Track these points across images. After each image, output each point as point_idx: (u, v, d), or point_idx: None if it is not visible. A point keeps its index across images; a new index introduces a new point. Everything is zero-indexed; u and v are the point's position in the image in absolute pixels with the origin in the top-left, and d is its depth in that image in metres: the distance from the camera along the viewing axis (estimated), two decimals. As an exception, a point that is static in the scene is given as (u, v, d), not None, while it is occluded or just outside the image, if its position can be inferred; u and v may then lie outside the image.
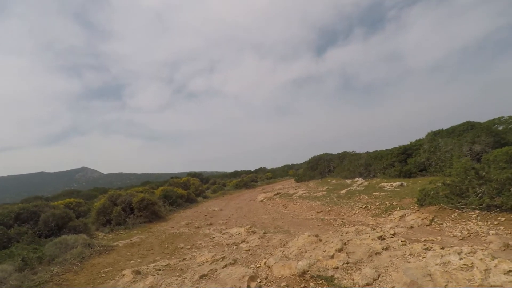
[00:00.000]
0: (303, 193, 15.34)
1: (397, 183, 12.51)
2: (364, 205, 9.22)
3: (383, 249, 4.67)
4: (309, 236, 5.69)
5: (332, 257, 4.62)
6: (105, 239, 8.28)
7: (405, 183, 12.40)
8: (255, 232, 7.31)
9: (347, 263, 4.37)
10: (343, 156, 22.65)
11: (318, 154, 24.06)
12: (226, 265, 5.12)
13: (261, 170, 60.04)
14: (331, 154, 23.78)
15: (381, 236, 5.22)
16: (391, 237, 5.28)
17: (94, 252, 6.49)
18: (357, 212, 8.89)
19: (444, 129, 18.65)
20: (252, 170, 66.02)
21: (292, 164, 78.17)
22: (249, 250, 6.05)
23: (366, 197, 10.75)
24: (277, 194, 17.04)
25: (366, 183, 15.05)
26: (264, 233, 7.22)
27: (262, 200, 15.76)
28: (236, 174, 61.32)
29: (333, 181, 18.45)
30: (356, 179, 17.53)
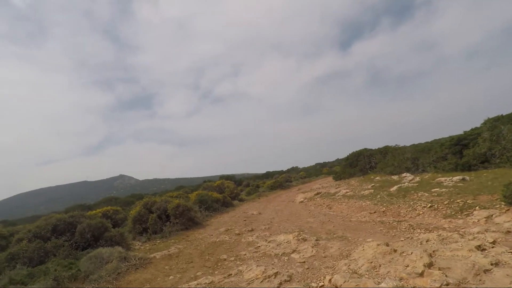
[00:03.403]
0: (346, 192, 14.09)
1: (457, 177, 10.92)
2: (429, 204, 7.89)
3: (491, 264, 3.52)
4: (378, 245, 4.63)
5: (422, 274, 3.55)
6: (142, 250, 7.75)
7: (467, 177, 10.80)
8: (306, 239, 6.35)
9: (447, 285, 3.28)
10: (385, 150, 20.94)
11: (356, 150, 22.51)
12: (280, 283, 4.24)
13: (294, 170, 58.74)
14: (371, 149, 22.13)
15: (479, 246, 4.05)
16: (492, 247, 4.09)
17: (130, 267, 5.90)
18: (421, 212, 7.60)
19: (504, 114, 16.40)
20: (284, 170, 64.92)
21: (324, 162, 76.04)
22: (304, 262, 5.11)
23: (426, 194, 9.36)
24: (317, 194, 15.90)
25: (417, 178, 13.47)
26: (316, 240, 6.24)
27: (302, 201, 14.73)
28: (268, 175, 60.54)
29: (377, 178, 16.93)
30: (404, 174, 15.90)
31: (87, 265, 5.77)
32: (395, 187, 12.10)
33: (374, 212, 8.80)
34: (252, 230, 8.73)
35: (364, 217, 8.59)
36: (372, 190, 12.80)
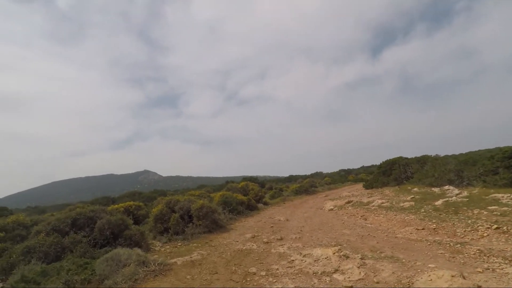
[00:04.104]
0: (382, 203, 12.88)
1: (519, 194, 9.51)
2: (494, 225, 6.68)
3: None
4: (453, 276, 3.66)
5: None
6: (162, 252, 7.16)
7: (532, 195, 9.37)
8: (348, 257, 5.43)
9: None
10: (423, 160, 19.32)
11: (390, 158, 21.01)
12: (327, 315, 3.39)
13: (318, 175, 57.16)
14: (407, 158, 20.57)
15: None
16: None
17: (149, 273, 5.27)
18: (485, 234, 6.42)
19: None
20: (307, 174, 63.44)
21: (348, 169, 73.57)
22: (352, 287, 4.22)
23: (484, 212, 8.09)
24: (348, 202, 14.77)
25: (465, 193, 12.02)
26: (361, 259, 5.31)
27: (332, 209, 13.68)
28: (291, 178, 59.34)
29: (415, 189, 15.50)
30: (446, 187, 14.40)
31: (103, 267, 5.21)
32: (440, 201, 10.79)
33: (423, 229, 7.67)
34: (281, 239, 7.89)
35: (411, 233, 7.50)
36: (413, 203, 11.53)
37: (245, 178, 33.72)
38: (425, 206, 10.54)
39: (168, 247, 7.75)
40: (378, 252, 5.83)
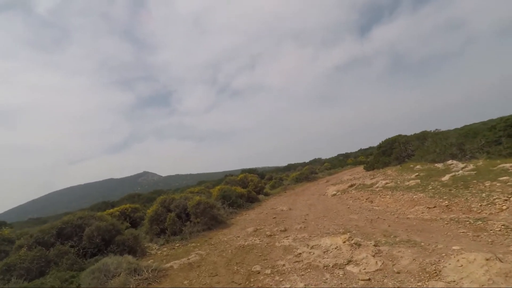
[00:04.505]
0: (386, 183, 12.42)
1: (529, 162, 9.06)
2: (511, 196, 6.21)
3: None
4: (487, 259, 3.15)
5: None
6: (158, 256, 6.62)
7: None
8: (360, 244, 4.92)
9: None
10: (423, 136, 18.86)
11: (390, 137, 20.53)
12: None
13: (317, 161, 56.88)
14: (406, 136, 20.10)
15: None
16: None
17: (141, 282, 4.74)
18: (504, 207, 5.92)
19: None
20: (306, 162, 63.16)
21: (346, 153, 73.36)
22: (370, 280, 3.71)
23: (497, 184, 7.62)
24: (351, 186, 14.31)
25: (471, 166, 11.58)
26: (375, 245, 4.80)
27: (335, 194, 13.22)
28: (290, 167, 59.04)
29: (418, 167, 15.05)
30: (450, 162, 13.96)
31: (89, 280, 4.66)
32: (447, 176, 10.34)
33: (434, 207, 7.19)
34: (285, 230, 7.38)
35: (423, 213, 7.01)
36: (419, 180, 11.07)
37: (244, 171, 33.25)
38: (432, 183, 10.08)
39: (165, 249, 7.22)
40: (392, 236, 5.33)
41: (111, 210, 12.64)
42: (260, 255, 5.47)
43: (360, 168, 31.57)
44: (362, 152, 67.39)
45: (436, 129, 18.95)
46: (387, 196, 10.03)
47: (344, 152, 73.79)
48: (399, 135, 20.35)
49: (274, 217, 9.44)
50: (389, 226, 6.17)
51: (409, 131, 21.04)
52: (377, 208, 8.72)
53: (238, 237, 7.29)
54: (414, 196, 8.68)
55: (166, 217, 8.62)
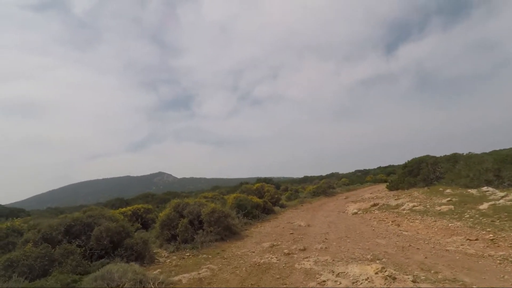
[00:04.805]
0: (414, 206, 11.53)
1: None
2: None
3: None
4: None
5: None
6: (167, 265, 6.17)
7: None
8: (395, 278, 4.26)
9: None
10: (454, 158, 17.69)
11: (417, 157, 19.44)
12: None
13: (334, 176, 55.46)
14: (435, 157, 18.96)
15: None
16: None
17: (147, 296, 4.28)
18: None
19: None
20: (322, 175, 61.79)
21: (364, 169, 71.32)
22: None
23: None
24: (374, 205, 13.45)
25: (512, 194, 10.53)
26: (414, 282, 4.13)
27: (356, 213, 12.41)
28: (306, 179, 57.89)
29: (448, 191, 13.98)
30: (485, 188, 12.85)
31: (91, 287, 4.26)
32: (485, 205, 9.38)
33: (476, 240, 6.36)
34: (304, 249, 6.76)
35: (462, 245, 6.20)
36: (452, 207, 10.14)
37: (260, 179, 32.69)
38: (468, 211, 9.17)
39: (174, 257, 6.77)
40: (432, 272, 4.62)
41: (124, 209, 12.43)
42: (278, 278, 4.90)
43: (381, 186, 30.25)
44: (382, 170, 65.26)
45: (469, 152, 17.74)
46: (416, 221, 9.20)
47: (362, 169, 71.84)
48: (427, 156, 19.23)
49: (292, 233, 8.82)
50: (425, 257, 5.44)
51: (433, 153, 19.80)
52: (406, 233, 7.92)
53: (253, 252, 6.74)
54: (450, 224, 7.85)
55: (178, 222, 8.20)
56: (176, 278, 5.02)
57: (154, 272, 5.32)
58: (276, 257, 6.14)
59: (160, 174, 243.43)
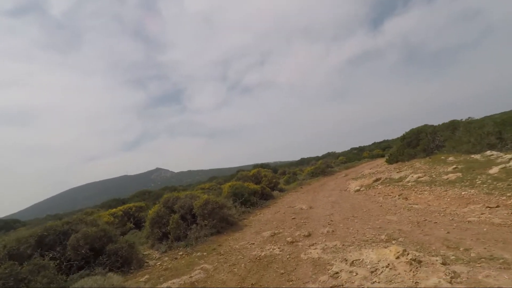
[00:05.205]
0: (418, 177, 10.94)
1: None
2: None
3: None
4: None
5: None
6: (157, 268, 5.46)
7: None
8: (421, 261, 3.59)
9: None
10: (453, 125, 17.10)
11: (414, 127, 18.83)
12: None
13: (330, 155, 55.12)
14: (433, 126, 18.37)
15: None
16: None
17: (127, 313, 3.56)
18: None
19: None
20: (319, 156, 61.51)
21: (359, 146, 71.22)
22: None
23: None
24: (376, 180, 12.87)
25: (520, 155, 9.98)
26: (442, 263, 3.46)
27: (358, 190, 11.81)
28: (303, 161, 57.55)
29: (451, 158, 13.42)
30: (488, 152, 12.31)
31: (58, 311, 3.52)
32: (495, 169, 8.79)
33: (497, 207, 5.75)
34: (309, 235, 6.10)
35: (483, 214, 5.58)
36: (460, 174, 9.54)
37: (257, 166, 32.03)
38: (479, 177, 8.57)
39: (166, 258, 6.06)
40: (461, 249, 3.95)
41: (113, 210, 11.70)
42: (283, 273, 4.21)
43: (380, 161, 29.84)
44: (377, 145, 65.18)
45: (469, 118, 17.14)
46: (425, 192, 8.59)
47: (357, 146, 71.70)
48: (425, 125, 18.61)
49: (294, 218, 8.16)
50: (447, 232, 4.78)
51: (427, 123, 19.20)
52: (416, 206, 7.31)
53: (253, 244, 6.05)
54: (463, 193, 7.23)
55: (169, 219, 7.47)
56: (164, 285, 4.30)
57: (141, 280, 4.60)
58: (278, 248, 5.45)
59: (157, 170, 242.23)
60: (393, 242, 4.67)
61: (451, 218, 5.55)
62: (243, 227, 7.89)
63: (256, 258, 5.07)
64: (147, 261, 6.08)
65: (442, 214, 6.01)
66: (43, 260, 5.12)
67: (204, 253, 5.86)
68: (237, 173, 21.36)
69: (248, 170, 27.00)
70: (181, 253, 6.23)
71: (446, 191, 7.96)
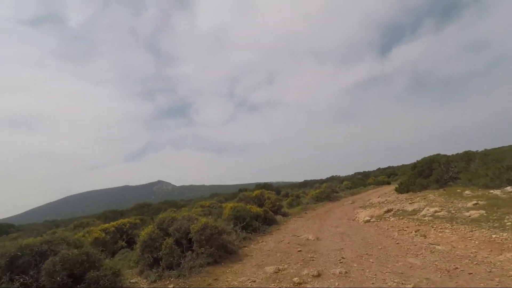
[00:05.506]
0: (435, 211, 10.11)
1: None
2: None
3: None
4: None
5: None
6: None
7: None
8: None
9: None
10: (468, 156, 16.36)
11: (427, 156, 18.08)
12: None
13: (335, 179, 54.08)
14: (447, 156, 17.62)
15: None
16: None
17: None
18: None
19: None
20: (323, 178, 60.44)
21: (364, 171, 70.13)
22: None
23: None
24: (388, 211, 12.02)
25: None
26: None
27: (369, 221, 10.98)
28: (306, 183, 56.55)
29: (468, 192, 12.60)
30: (509, 188, 11.54)
31: None
32: (524, 208, 8.00)
33: (539, 257, 4.96)
34: (319, 275, 5.33)
35: (524, 265, 4.79)
36: (483, 212, 8.73)
37: (259, 185, 31.16)
38: (507, 217, 7.77)
39: (154, 291, 5.31)
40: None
41: (106, 225, 10.98)
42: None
43: (386, 188, 28.89)
44: (381, 171, 64.12)
45: (485, 149, 16.41)
46: (446, 230, 7.78)
47: (361, 171, 70.61)
48: (438, 154, 17.88)
49: (299, 250, 7.38)
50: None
51: (432, 152, 18.53)
52: (439, 248, 6.50)
53: (254, 281, 5.29)
54: (494, 236, 6.43)
55: (163, 243, 6.74)
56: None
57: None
58: (283, 290, 4.69)
59: (159, 182, 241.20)
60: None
61: (488, 270, 4.77)
62: (243, 258, 7.11)
63: (258, 302, 4.31)
64: (133, 292, 5.33)
65: (474, 262, 5.22)
66: (12, 286, 4.44)
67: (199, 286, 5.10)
68: (239, 193, 20.59)
69: (250, 188, 26.17)
70: (171, 286, 5.47)
71: (471, 231, 7.15)
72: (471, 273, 4.65)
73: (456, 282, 4.35)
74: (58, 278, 4.70)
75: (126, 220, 11.80)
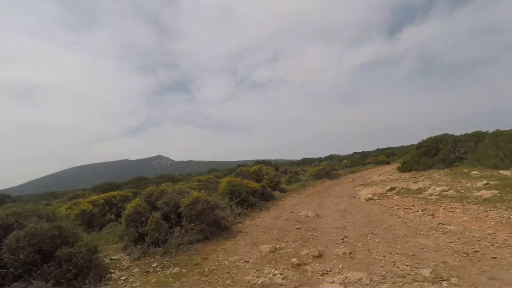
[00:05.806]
0: (443, 190, 9.54)
1: None
2: None
3: None
4: None
5: None
6: (120, 285, 4.16)
7: None
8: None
9: None
10: (477, 137, 15.64)
11: (434, 135, 17.35)
12: None
13: (334, 158, 53.78)
14: (454, 136, 16.89)
15: None
16: None
17: None
18: None
19: None
20: (322, 157, 60.18)
21: (362, 151, 69.90)
22: None
23: None
24: (391, 189, 11.47)
25: None
26: None
27: (371, 199, 10.44)
28: (305, 161, 56.26)
29: (475, 172, 12.02)
30: (520, 168, 10.94)
31: None
32: (541, 188, 7.40)
33: None
34: (320, 255, 4.76)
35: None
36: (496, 192, 8.13)
37: (258, 162, 30.65)
38: (522, 196, 7.18)
39: (136, 270, 4.76)
40: None
41: (94, 197, 10.43)
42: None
43: (386, 167, 28.45)
44: (380, 151, 63.84)
45: (497, 130, 15.68)
46: (457, 210, 7.20)
47: (360, 151, 70.36)
48: (445, 134, 17.14)
49: (298, 227, 6.82)
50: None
51: (432, 134, 17.69)
52: (451, 228, 5.93)
53: (247, 261, 4.72)
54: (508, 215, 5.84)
55: (149, 217, 6.15)
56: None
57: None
58: (280, 273, 4.11)
59: (158, 157, 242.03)
60: (444, 284, 3.31)
61: (509, 251, 4.18)
62: (237, 234, 6.56)
63: (254, 286, 3.74)
64: (112, 271, 4.78)
65: (495, 245, 4.63)
66: (-33, 263, 3.84)
67: (183, 270, 4.53)
68: (237, 168, 20.06)
69: (249, 165, 25.63)
70: (155, 264, 4.91)
71: (486, 211, 6.56)
72: (495, 258, 4.06)
73: (480, 268, 3.77)
74: (22, 256, 4.09)
75: (116, 192, 11.25)
